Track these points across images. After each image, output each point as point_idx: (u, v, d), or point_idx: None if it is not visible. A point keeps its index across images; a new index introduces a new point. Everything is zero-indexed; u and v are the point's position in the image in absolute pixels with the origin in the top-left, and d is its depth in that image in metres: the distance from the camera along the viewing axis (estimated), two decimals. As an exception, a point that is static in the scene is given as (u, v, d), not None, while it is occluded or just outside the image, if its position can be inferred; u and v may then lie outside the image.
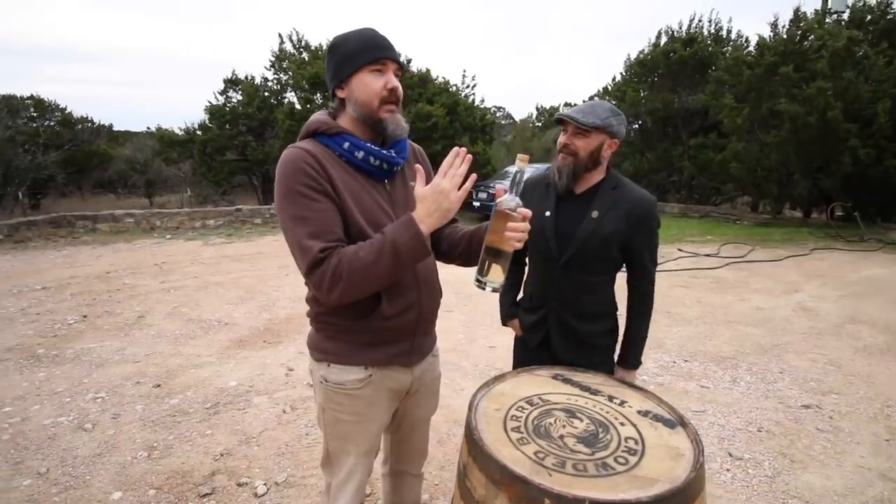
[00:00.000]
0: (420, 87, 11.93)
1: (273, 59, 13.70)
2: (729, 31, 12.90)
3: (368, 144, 1.19)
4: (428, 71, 12.41)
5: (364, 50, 1.15)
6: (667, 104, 13.05)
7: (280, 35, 14.71)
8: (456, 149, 1.08)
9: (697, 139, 12.67)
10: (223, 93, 14.37)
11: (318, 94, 11.82)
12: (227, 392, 3.07)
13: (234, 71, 14.48)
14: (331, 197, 1.13)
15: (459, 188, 1.08)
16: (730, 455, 2.51)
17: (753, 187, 11.02)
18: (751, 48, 11.55)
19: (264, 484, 2.20)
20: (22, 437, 2.53)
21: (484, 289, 1.16)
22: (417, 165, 1.16)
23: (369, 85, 1.16)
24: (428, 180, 1.42)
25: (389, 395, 1.32)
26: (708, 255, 7.62)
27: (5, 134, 12.15)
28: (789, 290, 5.72)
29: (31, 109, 14.42)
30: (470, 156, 1.11)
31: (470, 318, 4.48)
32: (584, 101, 1.70)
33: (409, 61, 12.41)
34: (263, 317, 4.56)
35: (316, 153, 1.15)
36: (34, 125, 13.80)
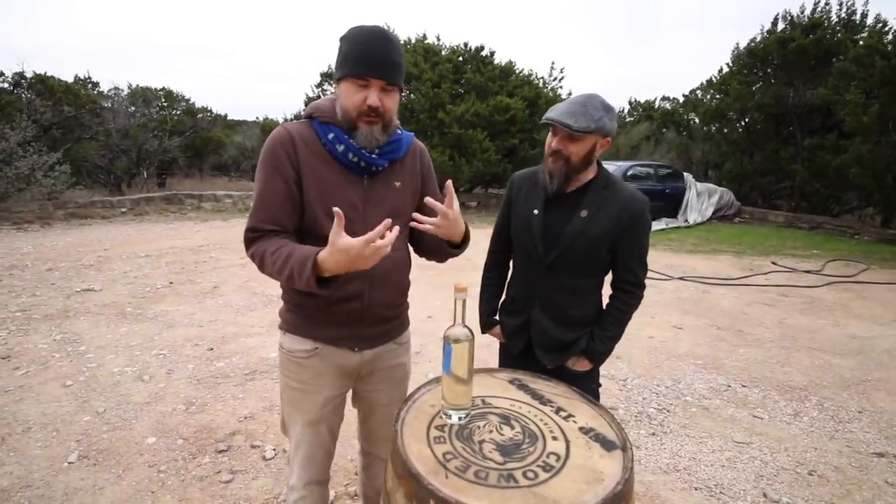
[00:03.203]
0: (501, 80, 11.79)
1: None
2: (864, 16, 11.09)
3: (350, 140, 1.23)
4: (511, 63, 12.21)
5: (353, 61, 1.16)
6: (780, 99, 11.60)
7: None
8: (387, 222, 1.04)
9: (814, 139, 11.14)
10: (319, 85, 15.33)
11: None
12: (267, 362, 3.32)
13: (329, 65, 15.36)
14: (288, 183, 1.20)
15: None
16: (764, 495, 2.22)
17: (880, 197, 9.47)
18: (890, 36, 9.87)
19: (273, 449, 2.36)
20: (94, 381, 2.96)
21: (450, 418, 1.14)
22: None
23: (350, 96, 1.19)
24: (427, 179, 1.44)
25: (337, 372, 1.35)
26: (807, 272, 6.72)
27: (140, 121, 14.08)
28: (902, 319, 4.88)
29: (162, 99, 16.48)
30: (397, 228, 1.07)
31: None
32: (570, 96, 1.51)
33: (492, 53, 12.30)
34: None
35: (297, 137, 1.22)
36: (163, 113, 15.77)
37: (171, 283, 5.09)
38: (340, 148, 1.23)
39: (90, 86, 15.29)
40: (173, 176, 17.10)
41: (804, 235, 9.80)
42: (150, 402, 2.76)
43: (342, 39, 1.20)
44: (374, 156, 1.25)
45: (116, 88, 15.12)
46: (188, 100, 18.32)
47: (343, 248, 1.02)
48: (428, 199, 1.21)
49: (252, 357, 3.39)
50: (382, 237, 1.04)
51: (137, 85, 16.12)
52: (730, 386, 3.33)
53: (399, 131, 1.32)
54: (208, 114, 19.18)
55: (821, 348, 4.07)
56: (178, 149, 15.27)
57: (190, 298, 4.64)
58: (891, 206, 9.71)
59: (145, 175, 13.84)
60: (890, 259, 7.66)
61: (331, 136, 1.23)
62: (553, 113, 1.41)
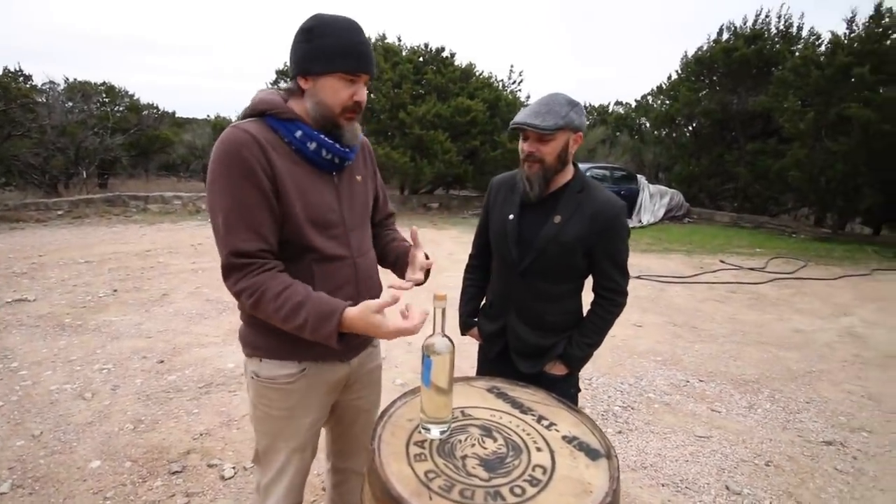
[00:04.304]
0: (462, 82, 11.82)
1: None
2: (800, 29, 11.90)
3: (323, 136, 1.13)
4: (471, 65, 12.27)
5: (343, 56, 1.07)
6: (724, 105, 12.26)
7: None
8: (430, 313, 1.06)
9: (755, 144, 11.83)
10: (275, 83, 14.89)
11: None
12: (223, 373, 3.14)
13: (285, 62, 14.92)
14: (265, 193, 1.06)
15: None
16: (727, 488, 2.29)
17: (815, 198, 10.17)
18: (823, 48, 10.61)
19: (233, 467, 2.22)
20: (28, 400, 2.70)
21: (429, 432, 1.08)
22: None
23: (338, 92, 1.09)
24: (376, 170, 1.40)
25: (325, 389, 1.27)
26: (752, 269, 7.10)
27: (78, 117, 13.17)
28: (838, 312, 5.22)
29: (103, 95, 15.49)
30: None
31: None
32: (529, 100, 1.50)
33: (452, 55, 12.31)
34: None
35: (261, 138, 1.08)
36: (104, 109, 14.81)
37: (114, 290, 4.75)
38: (312, 146, 1.12)
39: (21, 79, 14.15)
40: (116, 176, 16.06)
41: (748, 234, 10.37)
42: (93, 421, 2.54)
43: (312, 30, 1.07)
44: (347, 150, 1.17)
45: (52, 82, 14.10)
46: (132, 95, 17.29)
47: (376, 323, 1.02)
48: (421, 262, 1.28)
49: (207, 368, 3.20)
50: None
51: (75, 79, 15.10)
52: (688, 381, 3.44)
53: None
54: (154, 111, 18.18)
55: (769, 342, 4.29)
56: (122, 147, 14.35)
57: (136, 307, 4.34)
58: (824, 207, 10.43)
59: (84, 175, 12.92)
60: (824, 256, 8.22)
61: (298, 133, 1.11)
62: (519, 117, 1.39)
